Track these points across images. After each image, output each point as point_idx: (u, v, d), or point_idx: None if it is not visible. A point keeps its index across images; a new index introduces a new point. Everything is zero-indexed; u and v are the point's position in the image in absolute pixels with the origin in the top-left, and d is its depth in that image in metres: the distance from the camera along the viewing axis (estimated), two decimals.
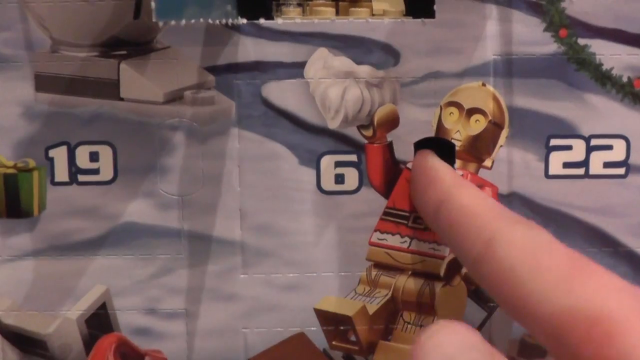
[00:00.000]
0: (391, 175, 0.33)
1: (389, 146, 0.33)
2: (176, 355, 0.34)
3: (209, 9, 0.30)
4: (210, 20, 0.30)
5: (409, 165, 0.32)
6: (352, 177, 0.33)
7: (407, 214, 0.33)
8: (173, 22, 0.27)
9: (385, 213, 0.33)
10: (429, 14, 0.32)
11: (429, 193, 0.30)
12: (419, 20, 0.32)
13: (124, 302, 0.34)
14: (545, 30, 0.33)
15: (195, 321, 0.34)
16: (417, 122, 0.33)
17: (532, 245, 0.25)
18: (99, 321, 0.34)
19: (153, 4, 0.26)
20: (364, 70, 0.33)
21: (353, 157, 0.33)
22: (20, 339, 0.34)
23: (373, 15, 0.33)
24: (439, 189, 0.29)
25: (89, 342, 0.34)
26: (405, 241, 0.33)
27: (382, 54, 0.33)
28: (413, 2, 0.33)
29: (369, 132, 0.33)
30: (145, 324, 0.34)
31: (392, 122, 0.33)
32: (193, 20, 0.28)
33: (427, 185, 0.30)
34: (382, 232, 0.33)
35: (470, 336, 0.24)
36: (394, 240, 0.33)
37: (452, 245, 0.29)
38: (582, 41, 0.33)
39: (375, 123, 0.33)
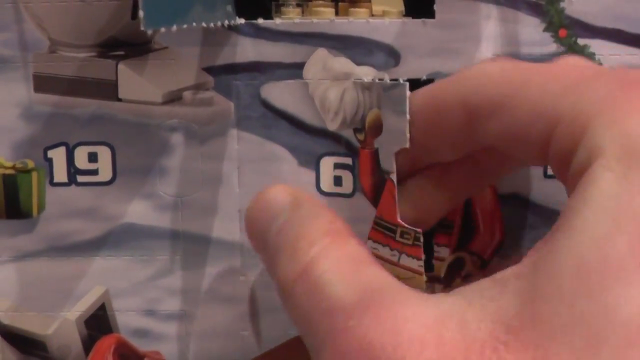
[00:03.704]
0: (379, 183, 0.31)
1: (377, 153, 0.31)
2: (175, 357, 0.34)
3: (203, 12, 0.30)
4: (204, 24, 0.30)
5: (392, 176, 0.31)
6: (348, 180, 0.33)
7: (394, 227, 0.31)
8: (163, 30, 0.27)
9: (375, 222, 0.31)
10: (429, 14, 0.32)
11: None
12: (419, 20, 0.32)
13: (123, 303, 0.34)
14: (545, 30, 0.33)
15: (194, 323, 0.34)
16: (395, 130, 0.30)
17: None
18: (98, 322, 0.34)
19: (141, 13, 0.26)
20: (364, 71, 0.32)
21: (349, 161, 0.33)
22: (20, 340, 0.34)
23: (373, 15, 0.33)
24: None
25: (88, 344, 0.34)
26: (395, 254, 0.32)
27: (383, 54, 0.32)
28: (413, 2, 0.33)
29: (362, 136, 0.32)
30: (144, 325, 0.34)
31: (379, 128, 0.31)
32: (185, 26, 0.28)
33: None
34: (374, 241, 0.32)
35: (295, 192, 0.29)
36: (384, 252, 0.31)
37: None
38: (581, 41, 0.33)
39: (366, 127, 0.32)
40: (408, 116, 0.29)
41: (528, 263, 0.21)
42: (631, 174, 0.21)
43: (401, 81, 0.29)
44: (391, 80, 0.31)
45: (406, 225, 0.29)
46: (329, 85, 0.32)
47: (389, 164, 0.30)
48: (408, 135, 0.29)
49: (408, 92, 0.29)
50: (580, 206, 0.21)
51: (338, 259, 0.26)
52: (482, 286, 0.22)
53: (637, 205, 0.20)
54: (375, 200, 0.32)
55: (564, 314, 0.20)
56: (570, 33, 0.33)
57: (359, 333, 0.22)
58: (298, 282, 0.26)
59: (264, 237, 0.29)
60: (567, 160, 0.23)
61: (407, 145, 0.29)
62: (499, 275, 0.22)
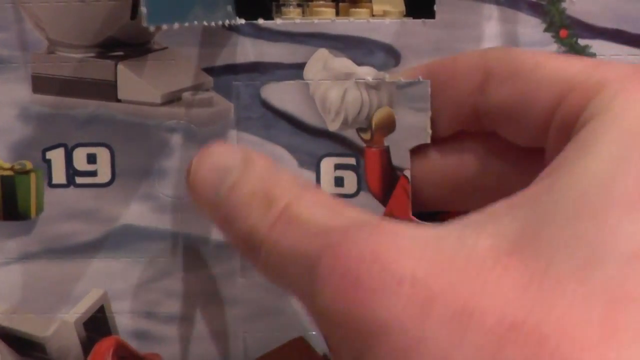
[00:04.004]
0: (389, 181, 0.32)
1: (387, 151, 0.32)
2: (174, 359, 0.34)
3: (204, 11, 0.30)
4: (205, 23, 0.29)
5: (406, 172, 0.31)
6: (351, 180, 0.32)
7: None
8: (165, 27, 0.27)
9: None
10: (429, 14, 0.32)
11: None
12: (420, 20, 0.32)
13: (122, 305, 0.34)
14: (546, 30, 0.33)
15: (193, 325, 0.34)
16: (413, 127, 0.31)
17: None
18: (97, 324, 0.34)
19: (144, 10, 0.25)
20: (365, 71, 0.32)
21: (352, 160, 0.32)
22: (19, 342, 0.34)
23: (373, 15, 0.33)
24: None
25: (87, 346, 0.34)
26: None
27: (383, 54, 0.32)
28: (413, 2, 0.33)
29: (367, 136, 0.32)
30: (143, 327, 0.34)
31: (389, 125, 0.32)
32: (187, 24, 0.28)
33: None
34: None
35: (245, 149, 0.27)
36: None
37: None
38: (582, 42, 0.33)
39: (373, 126, 0.32)
40: (430, 112, 0.29)
41: (523, 197, 0.22)
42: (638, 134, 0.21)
43: (421, 79, 0.30)
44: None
45: (419, 221, 0.29)
46: (330, 86, 0.32)
47: (403, 161, 0.31)
48: (430, 131, 0.30)
49: (430, 90, 0.29)
50: (583, 152, 0.21)
51: (316, 201, 0.25)
52: (473, 218, 0.22)
53: None
54: (384, 198, 0.32)
55: (566, 232, 0.20)
56: (571, 33, 0.33)
57: (357, 243, 0.21)
58: (275, 226, 0.25)
59: (213, 195, 0.27)
60: (572, 123, 0.23)
61: (429, 140, 0.30)
62: (488, 209, 0.22)
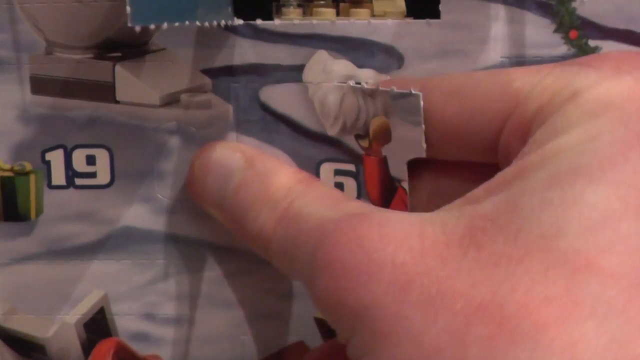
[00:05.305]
0: (388, 191, 0.31)
1: (385, 161, 0.31)
2: None
3: (208, 12, 0.29)
4: (198, 23, 0.29)
5: (404, 184, 0.30)
6: (350, 187, 0.32)
7: None
8: (152, 26, 0.26)
9: None
10: (433, 14, 0.31)
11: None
12: (424, 21, 0.31)
13: (122, 307, 0.34)
14: (556, 31, 0.31)
15: (193, 327, 0.34)
16: (408, 140, 0.30)
17: None
18: (97, 326, 0.34)
19: (128, 9, 0.25)
20: (365, 74, 0.31)
21: (351, 167, 0.32)
22: (19, 343, 0.34)
23: (374, 15, 0.32)
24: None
25: (87, 347, 0.34)
26: None
27: (385, 57, 0.31)
28: (417, 3, 0.32)
29: (365, 143, 0.31)
30: (143, 329, 0.34)
31: (386, 135, 0.30)
32: (177, 24, 0.27)
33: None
34: None
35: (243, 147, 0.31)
36: None
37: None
38: (592, 43, 0.31)
39: (371, 134, 0.31)
40: (423, 126, 0.29)
41: (498, 180, 0.23)
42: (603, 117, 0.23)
43: (413, 91, 0.29)
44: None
45: None
46: (329, 89, 0.31)
47: (401, 172, 0.30)
48: (425, 145, 0.29)
49: (422, 103, 0.29)
50: (553, 135, 0.24)
51: (316, 197, 0.28)
52: (455, 204, 0.24)
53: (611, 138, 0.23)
54: (384, 207, 0.31)
55: (535, 201, 0.22)
56: (581, 34, 0.31)
57: (348, 230, 0.24)
58: (279, 223, 0.27)
59: (219, 197, 0.30)
60: (529, 124, 0.25)
61: (424, 155, 0.29)
62: (468, 195, 0.24)
